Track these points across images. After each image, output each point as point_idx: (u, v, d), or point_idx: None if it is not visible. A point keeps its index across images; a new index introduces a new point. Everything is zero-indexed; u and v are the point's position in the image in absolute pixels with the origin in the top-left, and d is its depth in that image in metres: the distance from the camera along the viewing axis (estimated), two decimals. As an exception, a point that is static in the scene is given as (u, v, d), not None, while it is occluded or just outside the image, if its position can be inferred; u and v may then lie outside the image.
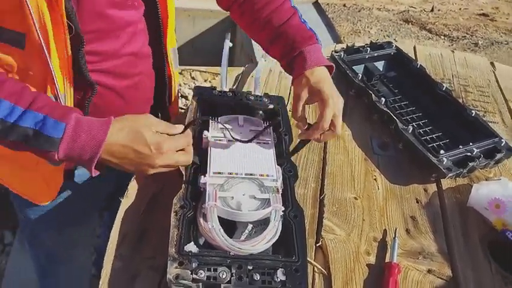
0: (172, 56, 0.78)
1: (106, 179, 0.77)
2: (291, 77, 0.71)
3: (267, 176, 0.63)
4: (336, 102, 0.66)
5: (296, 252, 0.56)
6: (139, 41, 0.71)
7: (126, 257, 0.57)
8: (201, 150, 0.67)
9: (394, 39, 3.28)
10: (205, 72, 2.54)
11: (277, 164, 0.66)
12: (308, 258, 0.61)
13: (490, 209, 0.71)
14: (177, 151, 0.58)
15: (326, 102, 0.66)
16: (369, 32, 3.52)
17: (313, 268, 0.61)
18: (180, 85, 0.80)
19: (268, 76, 0.99)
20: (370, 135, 0.87)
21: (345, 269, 0.62)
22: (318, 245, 0.64)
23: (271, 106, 0.79)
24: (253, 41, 2.53)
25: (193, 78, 2.49)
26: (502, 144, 0.82)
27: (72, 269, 0.95)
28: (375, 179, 0.77)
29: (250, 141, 0.68)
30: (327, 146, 0.82)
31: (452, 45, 3.58)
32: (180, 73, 2.48)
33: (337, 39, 2.80)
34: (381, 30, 3.60)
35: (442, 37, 3.65)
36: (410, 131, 0.81)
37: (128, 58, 0.69)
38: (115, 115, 0.70)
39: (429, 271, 0.64)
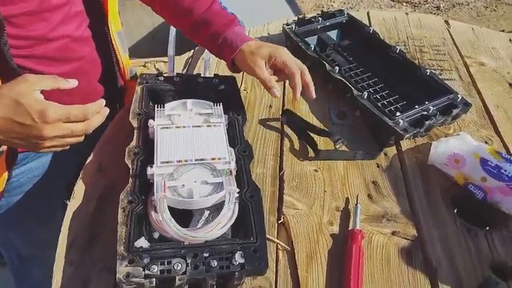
0: (118, 41, 0.74)
1: (63, 171, 0.73)
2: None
3: (219, 159, 0.61)
4: (283, 53, 0.70)
5: (254, 233, 0.54)
6: (73, 23, 0.66)
7: (77, 261, 0.54)
8: (148, 140, 0.64)
9: (357, 11, 3.28)
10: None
11: (231, 146, 0.64)
12: (270, 237, 0.60)
13: (450, 165, 0.71)
14: (71, 121, 0.53)
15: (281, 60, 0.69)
16: (332, 5, 3.50)
17: (276, 246, 0.60)
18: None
19: (220, 58, 0.96)
20: (327, 106, 0.85)
21: (308, 242, 0.60)
22: (279, 222, 0.63)
23: (222, 87, 0.77)
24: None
25: (157, 69, 2.43)
26: (458, 100, 0.81)
27: (47, 273, 0.92)
28: (335, 149, 0.76)
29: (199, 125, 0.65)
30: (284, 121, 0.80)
31: (414, 10, 3.60)
32: (144, 65, 2.41)
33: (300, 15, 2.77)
34: (344, 3, 3.59)
35: (404, 4, 3.67)
36: (365, 97, 0.79)
37: (62, 42, 0.65)
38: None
39: (393, 233, 0.63)
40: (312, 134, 0.76)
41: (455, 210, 0.68)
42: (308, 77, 0.71)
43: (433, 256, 0.61)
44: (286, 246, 0.60)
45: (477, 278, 0.58)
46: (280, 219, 0.63)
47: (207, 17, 0.74)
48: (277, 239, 0.61)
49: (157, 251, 0.50)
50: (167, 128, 0.64)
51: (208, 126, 0.67)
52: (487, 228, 0.67)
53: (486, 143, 0.81)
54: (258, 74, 0.69)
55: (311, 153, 0.74)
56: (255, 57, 0.69)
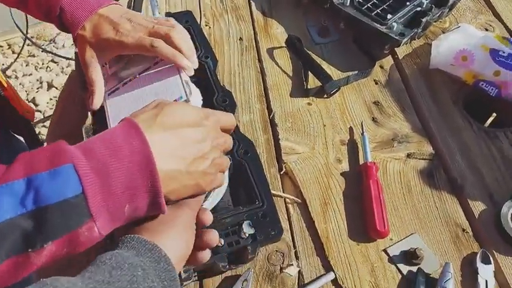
0: None
1: None
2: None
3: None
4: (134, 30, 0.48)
5: (258, 195, 0.46)
6: None
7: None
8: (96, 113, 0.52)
9: None
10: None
11: (205, 98, 0.53)
12: (275, 192, 0.52)
13: (457, 64, 0.62)
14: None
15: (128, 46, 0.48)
16: None
17: (284, 200, 0.53)
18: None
19: (168, -9, 0.80)
20: (305, 24, 0.73)
21: (318, 188, 0.53)
22: (282, 172, 0.55)
23: (178, 27, 0.63)
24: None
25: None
26: (452, -15, 0.70)
27: None
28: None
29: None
30: (260, 53, 0.69)
31: None
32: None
33: None
34: None
35: None
36: (348, 4, 0.67)
37: None
38: None
39: (408, 155, 0.56)
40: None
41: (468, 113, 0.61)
42: (177, 41, 0.49)
43: (456, 171, 0.54)
44: (296, 199, 0.52)
45: (507, 185, 0.53)
46: (282, 169, 0.55)
47: None
48: (283, 192, 0.53)
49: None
50: (115, 90, 0.52)
51: (156, 63, 0.53)
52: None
53: (487, 30, 0.71)
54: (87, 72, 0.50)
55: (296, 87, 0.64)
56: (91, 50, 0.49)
